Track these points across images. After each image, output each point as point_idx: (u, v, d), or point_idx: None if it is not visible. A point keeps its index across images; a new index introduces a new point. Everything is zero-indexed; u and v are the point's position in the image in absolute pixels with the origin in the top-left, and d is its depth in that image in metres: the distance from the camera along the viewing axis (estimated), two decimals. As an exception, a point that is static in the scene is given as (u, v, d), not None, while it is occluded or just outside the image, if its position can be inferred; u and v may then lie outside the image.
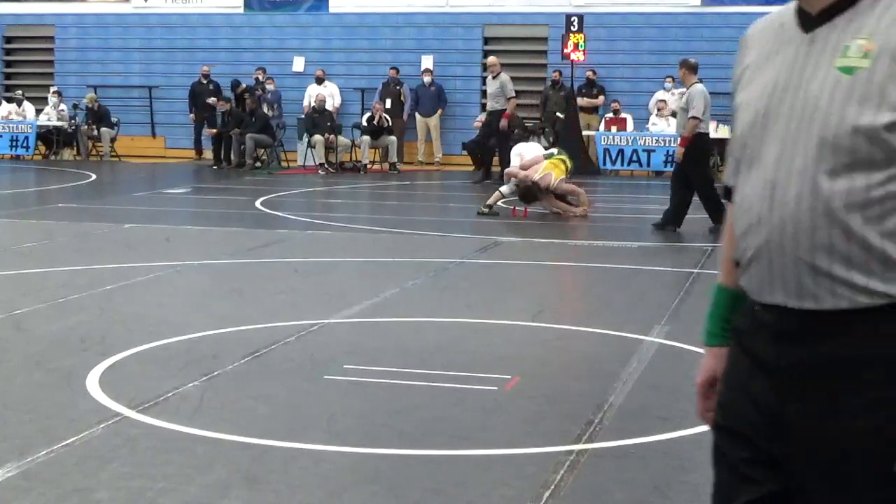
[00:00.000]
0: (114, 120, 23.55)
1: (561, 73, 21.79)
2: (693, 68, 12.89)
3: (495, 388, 5.78)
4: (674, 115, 21.94)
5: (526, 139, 19.59)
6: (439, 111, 22.74)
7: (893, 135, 2.00)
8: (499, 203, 13.84)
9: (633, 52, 22.82)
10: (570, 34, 20.71)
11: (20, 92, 24.53)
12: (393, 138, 21.38)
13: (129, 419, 5.12)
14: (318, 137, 20.77)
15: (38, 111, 23.92)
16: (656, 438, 5.01)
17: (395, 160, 21.31)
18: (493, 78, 18.96)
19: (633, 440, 4.99)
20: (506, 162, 17.47)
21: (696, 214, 12.77)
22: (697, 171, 12.61)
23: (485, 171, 19.18)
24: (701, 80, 12.80)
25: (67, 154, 23.48)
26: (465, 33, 23.69)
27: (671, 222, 12.62)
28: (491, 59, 19.49)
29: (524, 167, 13.94)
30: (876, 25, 2.04)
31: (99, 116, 23.30)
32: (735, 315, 2.29)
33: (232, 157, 21.70)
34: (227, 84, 22.99)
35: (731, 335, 2.28)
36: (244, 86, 22.41)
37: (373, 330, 7.28)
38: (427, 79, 22.70)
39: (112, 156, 23.17)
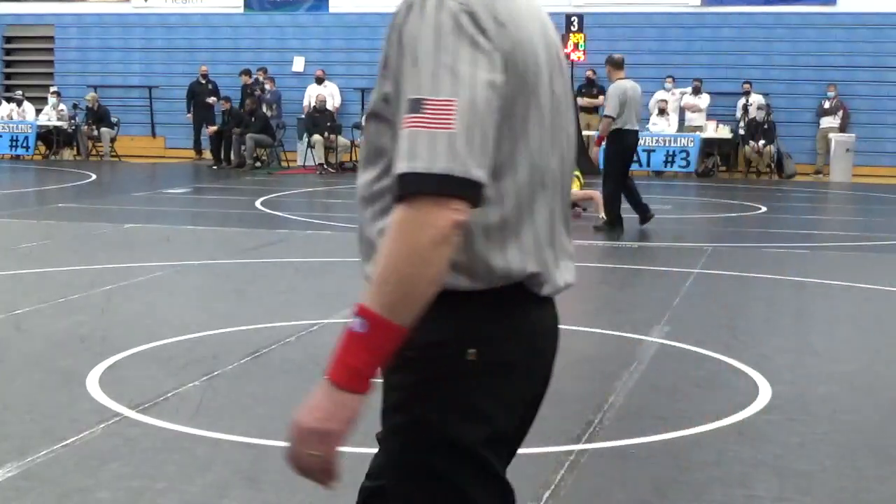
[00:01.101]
0: (114, 120, 23.55)
1: (561, 73, 21.79)
2: (616, 64, 12.84)
3: (495, 388, 5.77)
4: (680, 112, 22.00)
5: None
6: (439, 111, 22.71)
7: (378, 126, 1.93)
8: None
9: (633, 52, 22.76)
10: (570, 34, 20.71)
11: (20, 92, 24.54)
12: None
13: (129, 419, 5.11)
14: (317, 137, 20.77)
15: (38, 111, 23.93)
16: (656, 438, 5.01)
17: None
18: None
19: (633, 440, 4.99)
20: None
21: (695, 215, 12.76)
22: (613, 168, 12.48)
23: None
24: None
25: (67, 154, 23.48)
26: (465, 33, 23.67)
27: (639, 218, 12.61)
28: None
29: None
30: None
31: (99, 116, 23.30)
32: None
33: (232, 157, 21.71)
34: (226, 84, 23.01)
35: None
36: (251, 79, 22.49)
37: (373, 330, 7.26)
38: (427, 79, 22.68)
39: (112, 156, 23.17)
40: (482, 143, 1.80)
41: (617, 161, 12.54)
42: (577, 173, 13.89)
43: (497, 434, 2.01)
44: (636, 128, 12.67)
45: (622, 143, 12.51)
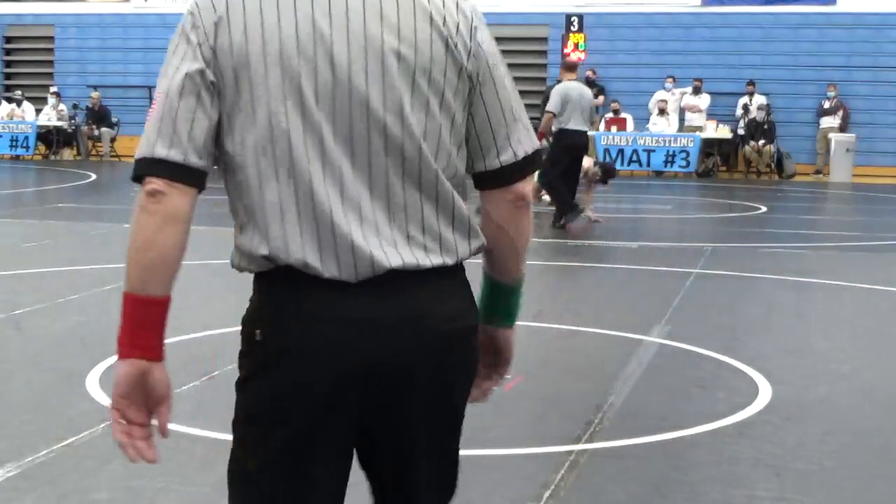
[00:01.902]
0: (114, 120, 23.55)
1: (564, 74, 21.81)
2: (565, 66, 13.31)
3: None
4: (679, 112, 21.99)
5: None
6: (439, 111, 22.73)
7: None
8: None
9: (633, 52, 22.83)
10: (570, 34, 20.71)
11: (20, 92, 24.54)
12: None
13: (129, 419, 5.11)
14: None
15: (38, 111, 23.93)
16: (656, 438, 5.01)
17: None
18: None
19: (633, 440, 4.99)
20: None
21: (695, 215, 12.74)
22: (553, 165, 12.48)
23: None
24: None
25: (67, 154, 23.49)
26: (465, 33, 23.67)
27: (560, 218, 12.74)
28: None
29: None
30: None
31: (99, 116, 23.30)
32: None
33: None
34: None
35: None
36: None
37: (373, 330, 7.26)
38: (427, 79, 22.69)
39: (112, 156, 23.17)
40: (173, 127, 1.97)
41: (559, 159, 12.58)
42: None
43: (268, 422, 2.02)
44: (582, 128, 12.69)
45: (564, 142, 12.60)
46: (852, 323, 7.92)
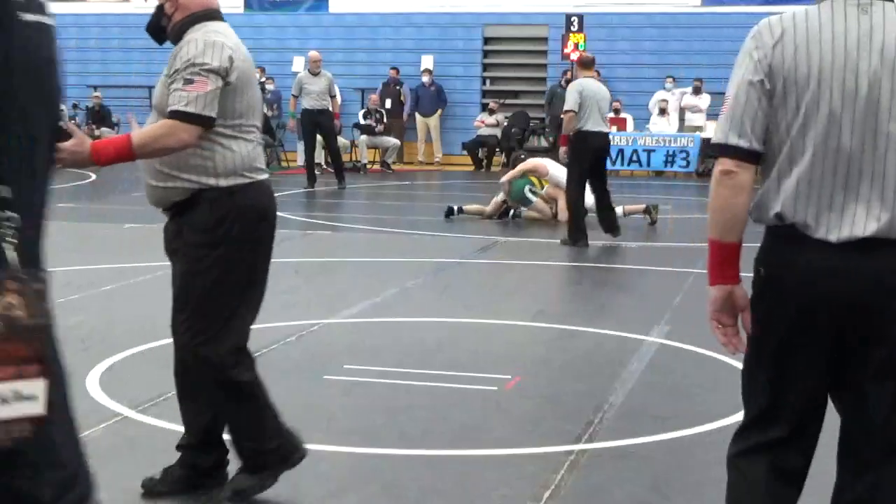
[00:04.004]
0: (114, 120, 23.56)
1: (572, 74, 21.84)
2: (582, 63, 11.97)
3: (495, 388, 5.78)
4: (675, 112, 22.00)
5: (528, 140, 19.50)
6: (439, 111, 22.75)
7: None
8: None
9: (633, 52, 22.82)
10: (570, 34, 20.71)
11: (20, 92, 24.55)
12: (397, 142, 21.45)
13: (129, 419, 5.12)
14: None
15: (38, 111, 23.93)
16: (656, 438, 5.01)
17: (391, 160, 21.42)
18: (316, 75, 17.17)
19: (633, 440, 4.99)
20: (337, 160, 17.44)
21: (695, 215, 12.70)
22: (571, 172, 11.50)
23: (312, 176, 17.48)
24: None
25: (67, 154, 23.48)
26: (465, 33, 23.70)
27: (607, 230, 11.63)
28: (313, 53, 17.63)
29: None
30: None
31: (101, 117, 23.31)
32: None
33: (232, 157, 21.68)
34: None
35: None
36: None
37: (373, 330, 7.28)
38: (427, 79, 22.70)
39: (112, 156, 23.16)
40: (738, 121, 2.76)
41: (575, 165, 11.41)
42: (534, 179, 13.37)
43: (760, 332, 2.91)
44: (600, 129, 11.28)
45: (581, 145, 11.26)
46: (852, 323, 7.90)
